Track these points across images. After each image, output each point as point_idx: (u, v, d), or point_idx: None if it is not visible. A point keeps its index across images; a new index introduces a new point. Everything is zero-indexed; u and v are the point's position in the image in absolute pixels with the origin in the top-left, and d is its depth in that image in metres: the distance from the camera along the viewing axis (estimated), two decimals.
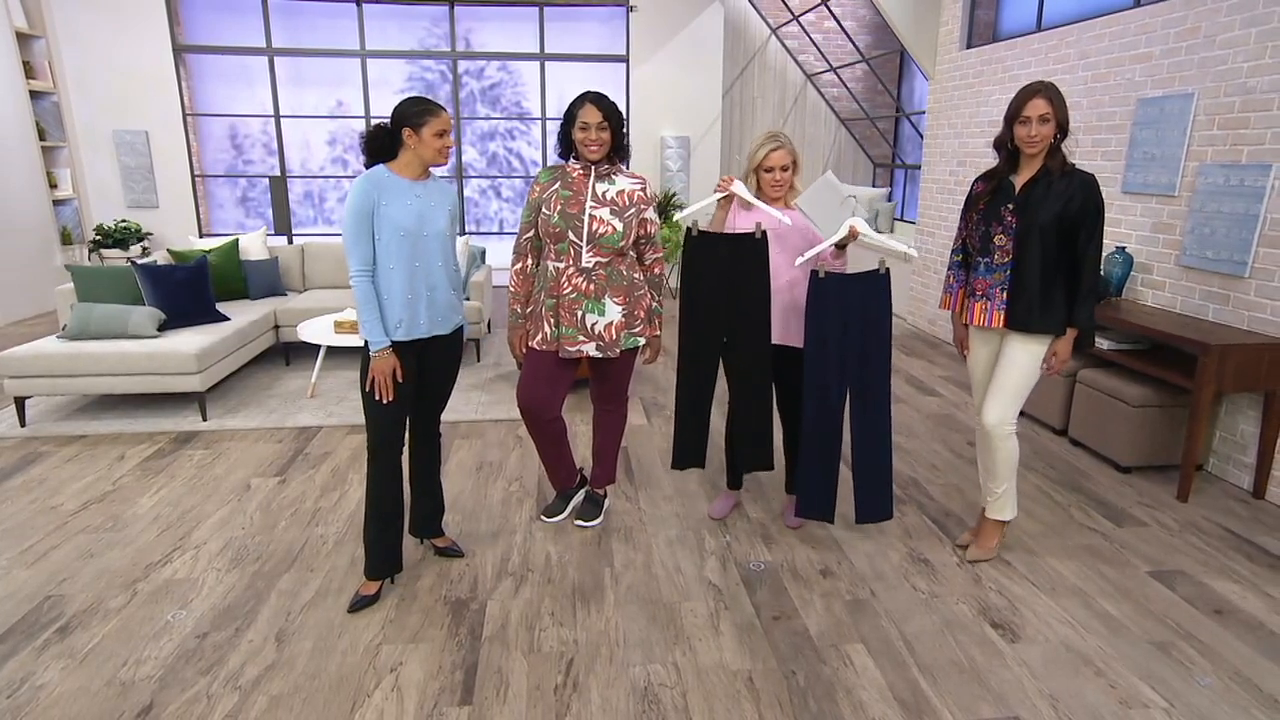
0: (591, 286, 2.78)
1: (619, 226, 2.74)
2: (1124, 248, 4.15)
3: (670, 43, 8.15)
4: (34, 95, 7.12)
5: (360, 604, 2.58)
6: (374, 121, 2.43)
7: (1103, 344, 3.84)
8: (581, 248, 2.75)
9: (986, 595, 2.70)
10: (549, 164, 2.91)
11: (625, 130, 2.76)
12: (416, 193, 2.47)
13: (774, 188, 2.86)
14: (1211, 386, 3.29)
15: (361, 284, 2.42)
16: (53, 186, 7.32)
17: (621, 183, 2.79)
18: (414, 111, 2.40)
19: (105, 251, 7.41)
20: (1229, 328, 3.54)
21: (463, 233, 8.62)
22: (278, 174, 8.22)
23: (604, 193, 2.76)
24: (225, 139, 8.22)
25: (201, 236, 8.00)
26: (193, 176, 7.93)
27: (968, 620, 2.56)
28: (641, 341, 2.93)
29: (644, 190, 2.83)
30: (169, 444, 3.97)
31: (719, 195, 2.91)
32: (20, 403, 4.13)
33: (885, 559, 2.95)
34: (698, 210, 2.95)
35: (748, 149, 4.03)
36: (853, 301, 2.78)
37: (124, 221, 7.64)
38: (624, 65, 8.23)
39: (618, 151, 2.77)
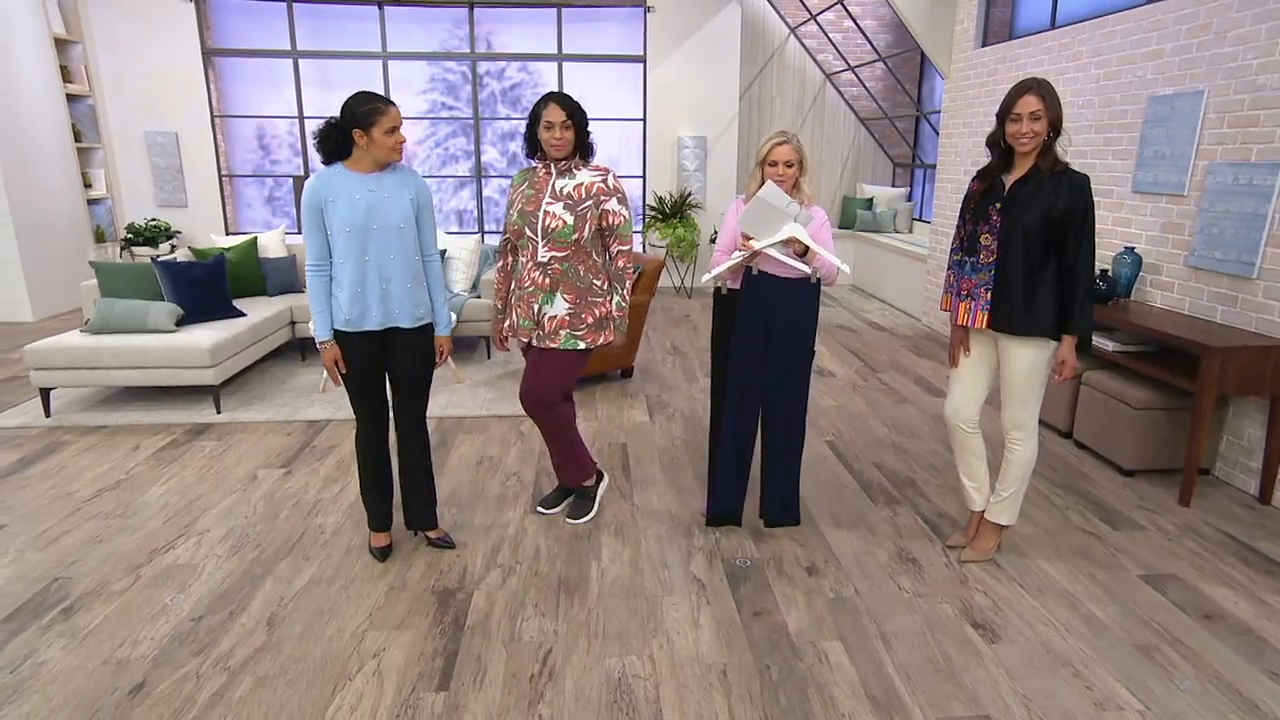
0: (547, 280, 2.85)
1: (570, 220, 2.78)
2: (1133, 248, 4.09)
3: (687, 42, 8.16)
4: (70, 99, 7.36)
5: (380, 555, 2.86)
6: (326, 119, 2.53)
7: (1108, 345, 3.79)
8: (538, 243, 2.82)
9: (971, 596, 2.69)
10: (525, 166, 2.98)
11: (589, 129, 2.81)
12: (369, 186, 2.54)
13: (777, 182, 2.87)
14: (1214, 389, 3.23)
15: (311, 278, 2.57)
16: (87, 186, 7.57)
17: (581, 176, 2.84)
18: (363, 111, 2.44)
19: (136, 249, 7.64)
20: (1236, 330, 3.48)
21: (480, 230, 8.74)
22: (302, 174, 8.40)
23: (561, 188, 2.82)
24: (252, 139, 8.42)
25: (228, 235, 8.20)
26: (220, 176, 8.14)
27: (949, 620, 2.55)
28: (581, 346, 2.90)
29: (604, 181, 2.85)
30: (183, 435, 4.11)
31: (744, 255, 2.82)
32: (45, 394, 4.30)
33: (873, 558, 2.95)
34: (725, 270, 2.89)
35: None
36: (778, 311, 2.86)
37: (154, 220, 7.87)
38: (641, 65, 8.26)
39: (582, 150, 2.82)
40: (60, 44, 7.25)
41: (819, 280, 2.85)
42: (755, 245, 2.73)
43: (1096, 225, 2.78)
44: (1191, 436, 3.32)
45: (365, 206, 2.52)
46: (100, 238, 7.69)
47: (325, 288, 2.58)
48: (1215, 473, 3.68)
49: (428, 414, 2.91)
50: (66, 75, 7.30)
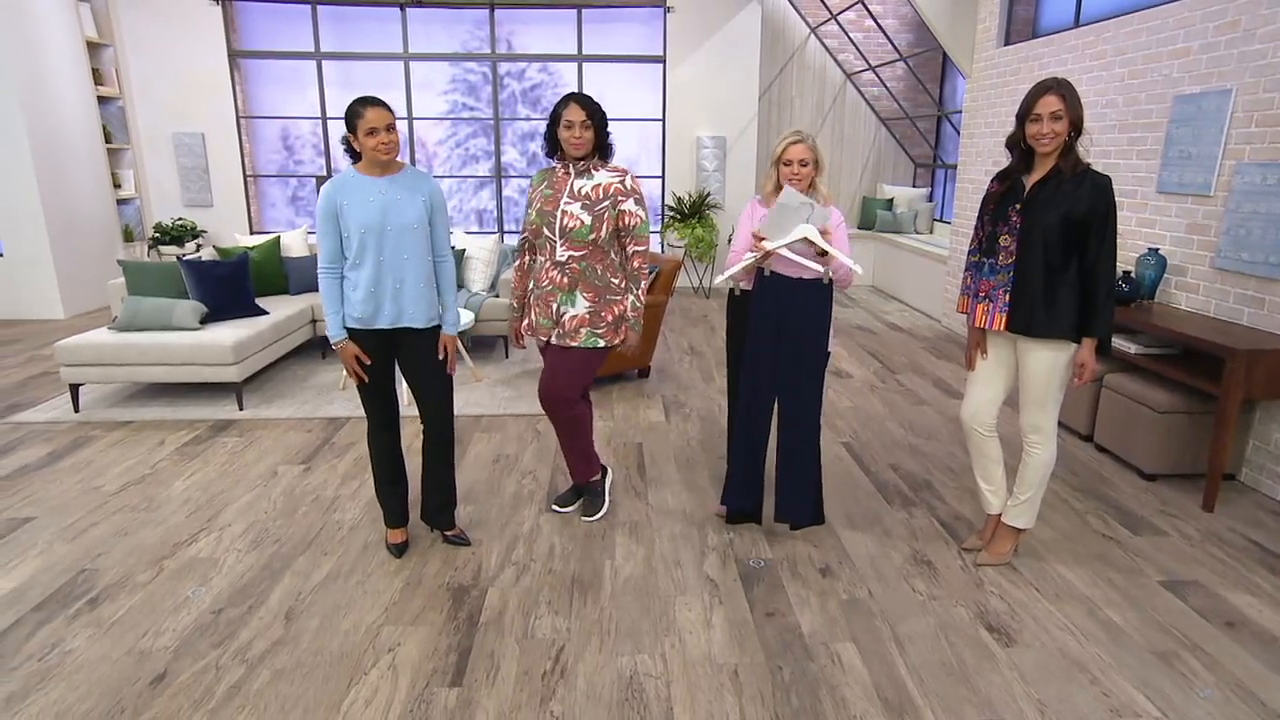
0: (565, 280, 2.88)
1: (587, 220, 2.81)
2: (1157, 249, 4.03)
3: (707, 43, 8.16)
4: (101, 100, 7.51)
5: (396, 552, 2.91)
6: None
7: (1130, 348, 3.74)
8: (555, 242, 2.85)
9: (987, 599, 2.67)
10: (544, 166, 3.02)
11: (609, 130, 2.83)
12: (381, 189, 2.58)
13: (792, 181, 2.87)
14: (1239, 392, 3.18)
15: (323, 280, 2.63)
16: (117, 187, 7.73)
17: (600, 177, 2.86)
18: (347, 115, 2.50)
19: (163, 248, 7.78)
20: (1263, 332, 3.41)
21: (500, 230, 8.79)
22: (325, 174, 8.50)
23: (580, 188, 2.84)
24: (276, 140, 8.54)
25: (252, 234, 8.31)
26: (244, 176, 8.26)
27: (964, 623, 2.54)
28: (601, 344, 2.93)
29: (622, 182, 2.86)
30: (206, 431, 4.18)
31: (756, 255, 2.82)
32: (74, 389, 4.39)
33: (888, 560, 2.93)
34: (739, 270, 2.89)
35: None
36: (790, 312, 2.85)
37: (181, 220, 8.01)
38: (661, 66, 8.27)
39: (601, 150, 2.84)
40: (92, 47, 7.40)
41: (831, 281, 2.84)
42: (767, 245, 2.73)
43: (1120, 226, 2.74)
44: (1215, 440, 3.27)
45: (379, 208, 2.56)
46: (129, 237, 7.84)
47: (337, 288, 2.64)
48: (1240, 478, 3.62)
49: None
50: (97, 78, 7.45)
